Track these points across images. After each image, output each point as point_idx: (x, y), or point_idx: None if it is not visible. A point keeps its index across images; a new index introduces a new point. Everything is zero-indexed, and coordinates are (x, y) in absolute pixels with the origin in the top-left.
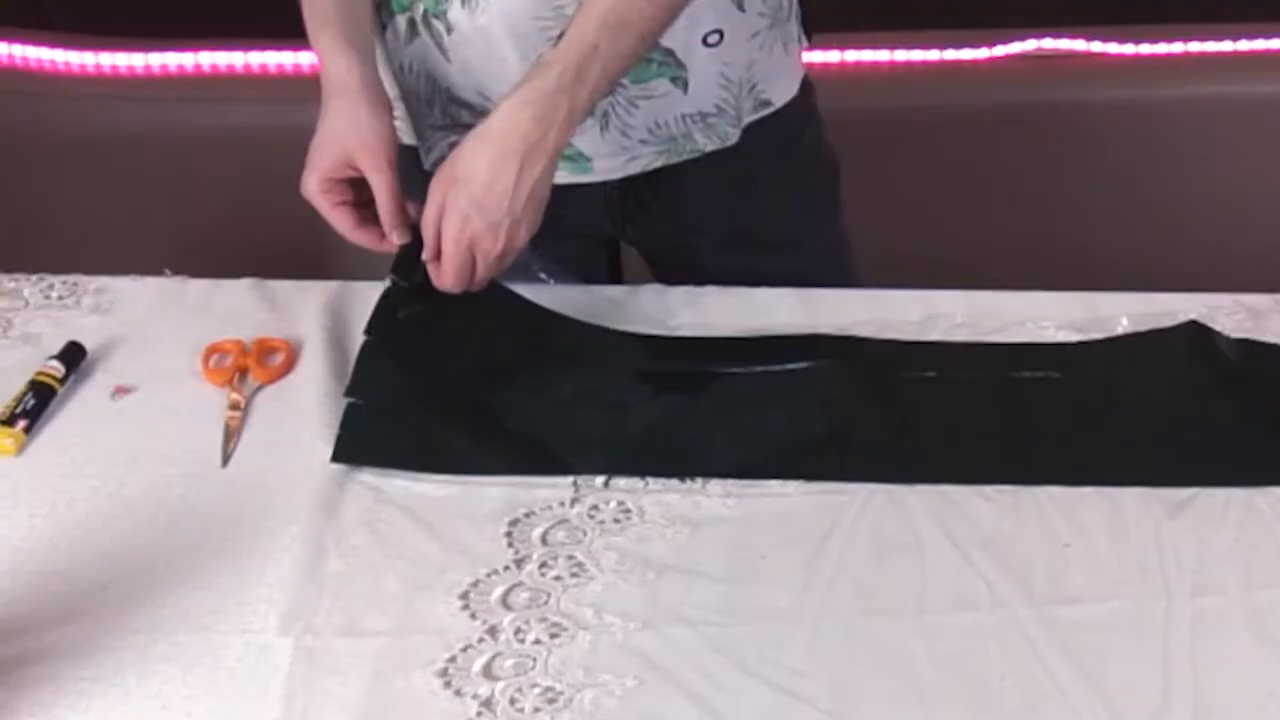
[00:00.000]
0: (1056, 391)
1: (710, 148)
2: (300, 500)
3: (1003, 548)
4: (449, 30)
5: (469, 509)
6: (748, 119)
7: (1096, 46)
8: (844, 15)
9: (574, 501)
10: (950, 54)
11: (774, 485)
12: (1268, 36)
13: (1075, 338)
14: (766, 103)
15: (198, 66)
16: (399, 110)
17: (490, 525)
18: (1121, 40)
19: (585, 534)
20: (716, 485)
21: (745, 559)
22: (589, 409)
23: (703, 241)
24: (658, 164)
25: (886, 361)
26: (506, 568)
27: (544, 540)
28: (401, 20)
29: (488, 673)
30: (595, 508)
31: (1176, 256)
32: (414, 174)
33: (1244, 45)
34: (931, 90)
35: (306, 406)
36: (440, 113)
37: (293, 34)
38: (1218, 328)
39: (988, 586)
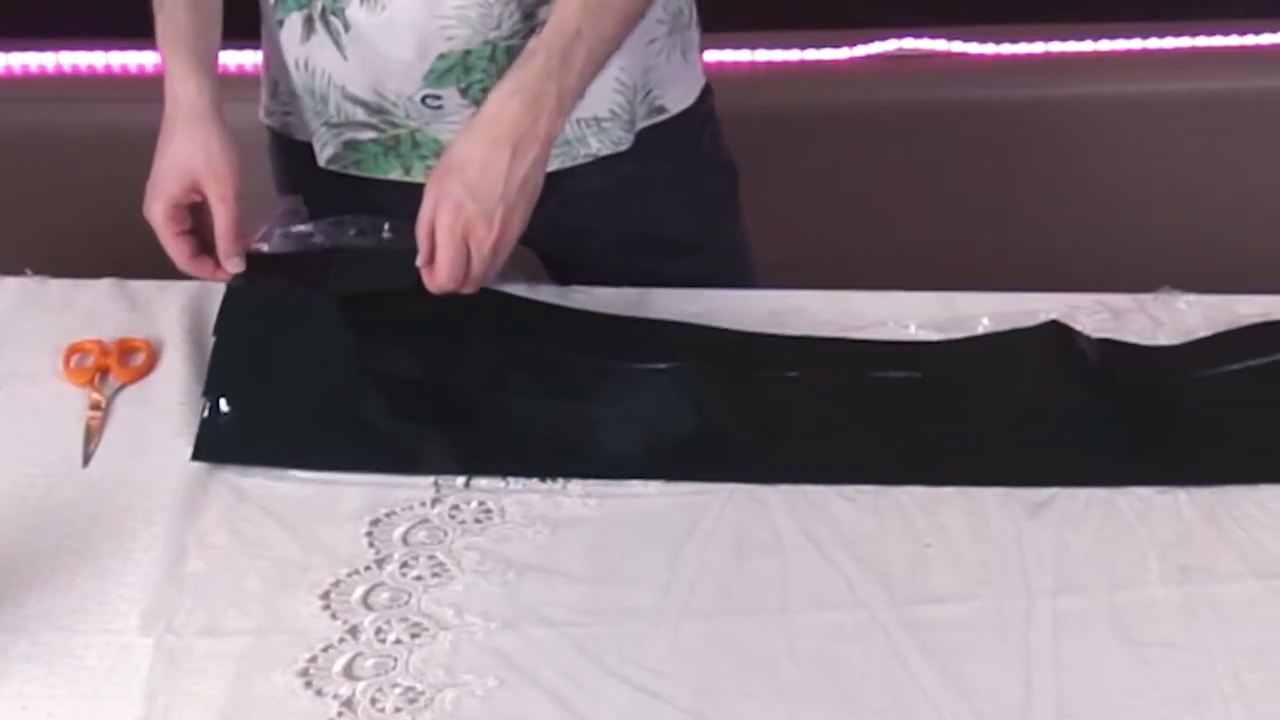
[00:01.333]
0: (917, 391)
1: (604, 152)
2: (161, 500)
3: (864, 547)
4: (346, 28)
5: (330, 509)
6: (641, 124)
7: (957, 46)
8: (707, 16)
9: (435, 501)
10: (811, 54)
11: (635, 485)
12: (1128, 36)
13: (936, 337)
14: (661, 109)
15: (59, 67)
16: (290, 106)
17: (351, 525)
18: (982, 40)
19: (446, 534)
20: (577, 485)
21: (606, 559)
22: (451, 407)
23: (593, 243)
24: (552, 167)
25: (748, 361)
26: (367, 568)
27: (405, 540)
28: (298, 17)
29: (349, 672)
30: (456, 508)
31: (1041, 255)
32: (302, 170)
33: (1104, 45)
34: (792, 91)
35: (167, 406)
36: (335, 110)
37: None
38: (1079, 327)
39: (849, 586)
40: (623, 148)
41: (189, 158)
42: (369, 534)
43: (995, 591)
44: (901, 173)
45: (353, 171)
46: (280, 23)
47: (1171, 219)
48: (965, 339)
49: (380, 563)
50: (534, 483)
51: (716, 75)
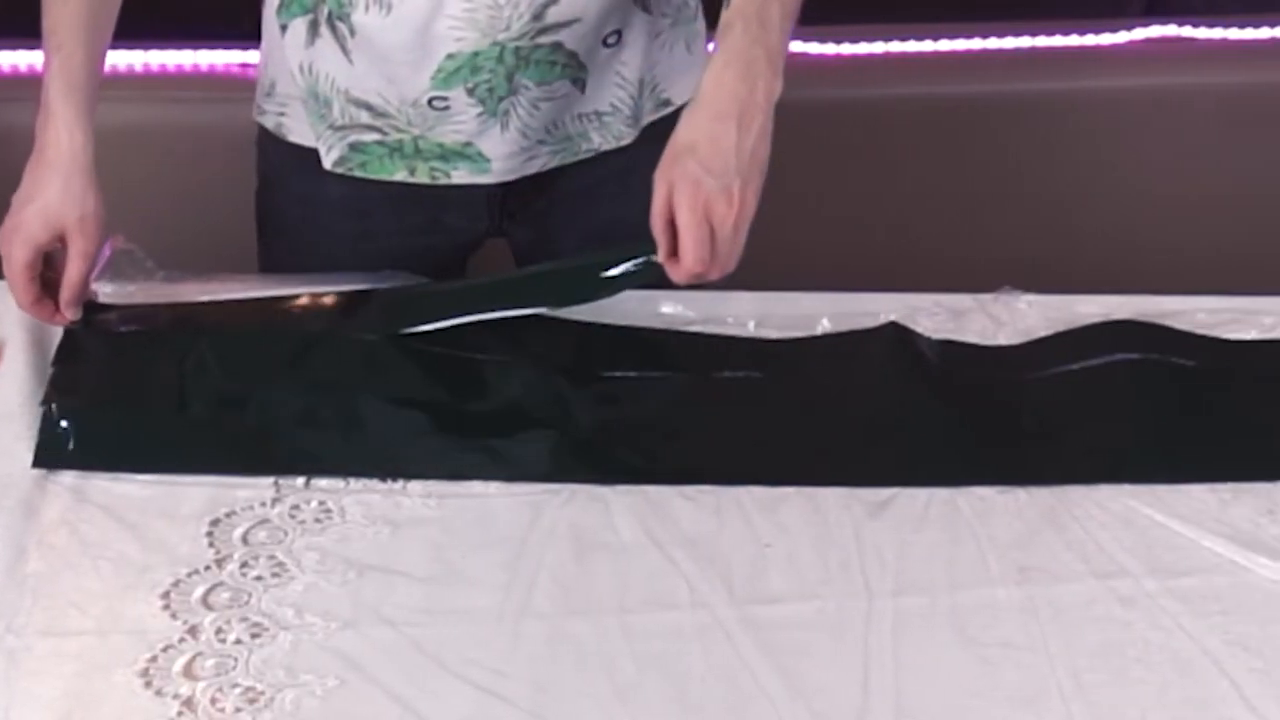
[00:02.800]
0: (757, 391)
1: (605, 147)
2: (1, 501)
3: (704, 547)
4: (352, 32)
5: (170, 509)
6: (648, 118)
7: (798, 46)
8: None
9: (275, 501)
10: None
11: (475, 485)
12: (968, 36)
13: (775, 336)
14: (667, 102)
15: None
16: (285, 108)
17: (192, 525)
18: (823, 40)
19: (286, 534)
20: (418, 485)
21: (446, 559)
22: (292, 408)
23: (568, 237)
24: (554, 164)
25: (589, 360)
26: (207, 567)
27: (245, 540)
28: (302, 22)
29: (188, 672)
30: (296, 507)
31: (886, 255)
32: (288, 169)
33: (944, 45)
34: None
35: (7, 409)
36: (339, 113)
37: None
38: (918, 328)
39: (688, 586)
40: (624, 142)
41: (64, 210)
42: (209, 534)
43: (835, 591)
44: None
45: (358, 173)
46: (284, 28)
47: (1135, 218)
48: (805, 338)
49: (220, 563)
50: (374, 483)
51: None
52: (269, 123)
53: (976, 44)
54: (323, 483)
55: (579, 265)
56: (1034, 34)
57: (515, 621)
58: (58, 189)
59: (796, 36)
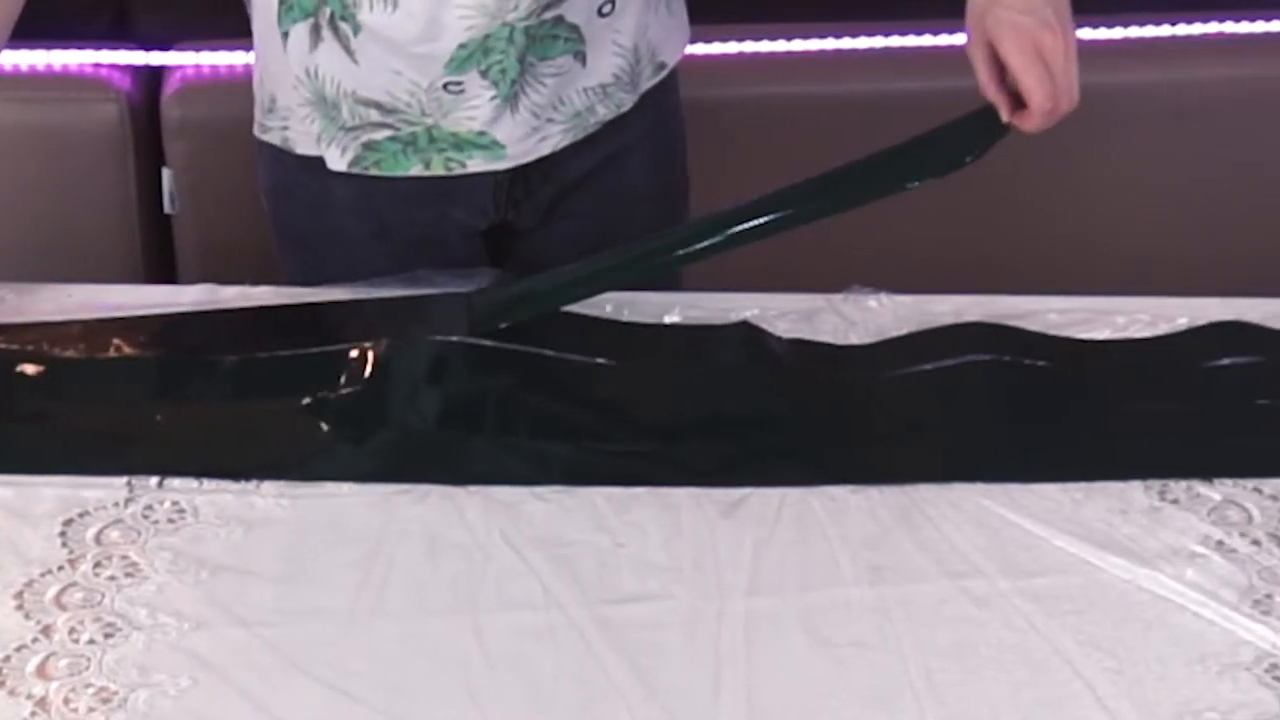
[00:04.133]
0: (607, 385)
1: (609, 117)
2: None
3: (556, 547)
4: (356, 31)
5: (22, 509)
6: (647, 84)
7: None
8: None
9: (128, 501)
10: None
11: (328, 486)
12: (837, 36)
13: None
14: (662, 65)
15: None
16: (295, 123)
17: (45, 525)
18: (708, 40)
19: (140, 534)
20: (271, 485)
21: (299, 559)
22: (146, 407)
23: (569, 225)
24: (566, 141)
25: (437, 358)
26: (60, 567)
27: (98, 540)
28: (303, 27)
29: (41, 673)
30: (150, 508)
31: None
32: (303, 182)
33: (783, 45)
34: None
35: None
36: (349, 114)
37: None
38: (769, 328)
39: (541, 586)
40: (625, 109)
41: None
42: (62, 534)
43: (687, 591)
44: None
45: (373, 172)
46: (285, 35)
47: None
48: (654, 335)
49: (73, 562)
50: (227, 483)
51: None
52: (274, 139)
53: (846, 43)
54: (176, 483)
55: (907, 148)
56: (910, 33)
57: (368, 621)
58: None
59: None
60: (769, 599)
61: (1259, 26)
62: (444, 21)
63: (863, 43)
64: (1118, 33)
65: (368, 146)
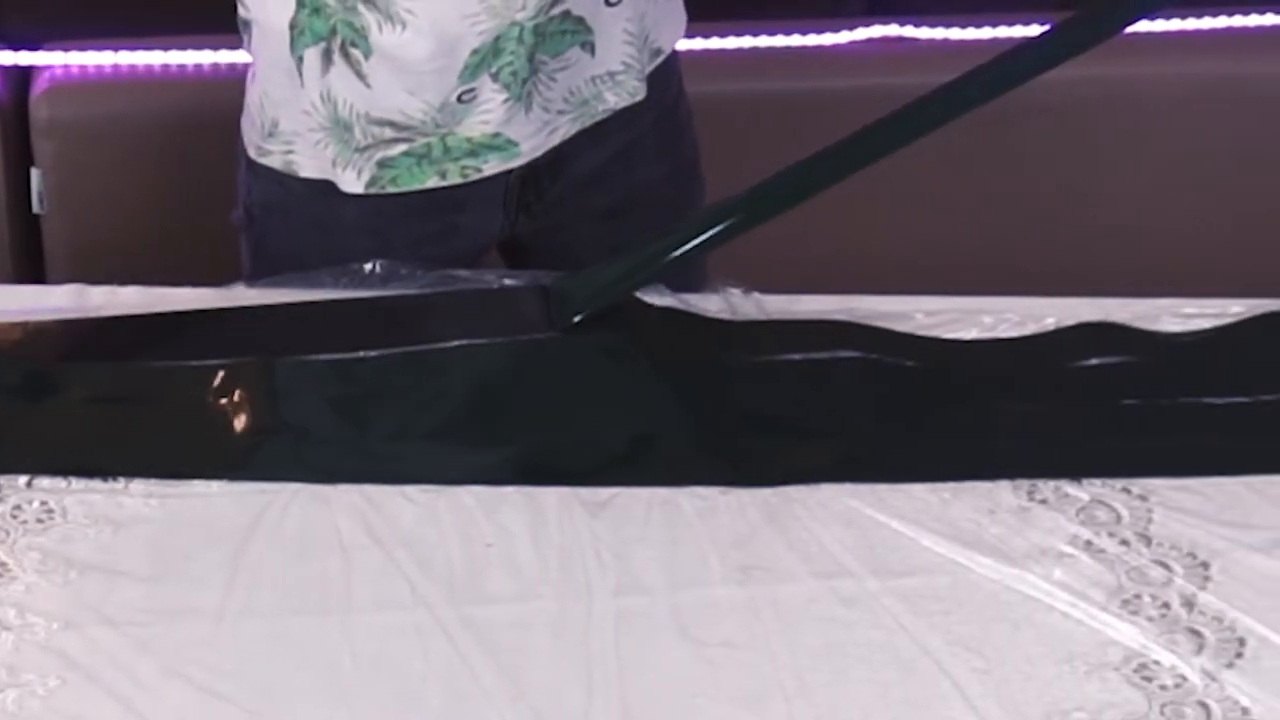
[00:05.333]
0: (472, 390)
1: (620, 105)
2: None
3: (425, 547)
4: (368, 55)
5: None
6: (649, 69)
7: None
8: None
9: None
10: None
11: (197, 485)
12: (688, 36)
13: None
14: (659, 51)
15: None
16: (300, 146)
17: None
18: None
19: (8, 534)
20: (139, 485)
21: (168, 558)
22: (14, 404)
23: (580, 226)
24: (574, 130)
25: (318, 346)
26: None
27: None
28: (315, 52)
29: None
30: (18, 508)
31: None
32: (323, 205)
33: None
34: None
35: None
36: (361, 134)
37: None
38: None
39: (410, 586)
40: (638, 98)
41: None
42: None
43: (556, 591)
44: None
45: (389, 190)
46: (300, 59)
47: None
48: (460, 328)
49: None
50: (96, 482)
51: None
52: (275, 163)
53: (698, 44)
54: (45, 482)
55: None
56: (754, 34)
57: (236, 621)
58: None
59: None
60: (638, 599)
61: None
62: (454, 31)
63: (871, 32)
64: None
65: (382, 164)
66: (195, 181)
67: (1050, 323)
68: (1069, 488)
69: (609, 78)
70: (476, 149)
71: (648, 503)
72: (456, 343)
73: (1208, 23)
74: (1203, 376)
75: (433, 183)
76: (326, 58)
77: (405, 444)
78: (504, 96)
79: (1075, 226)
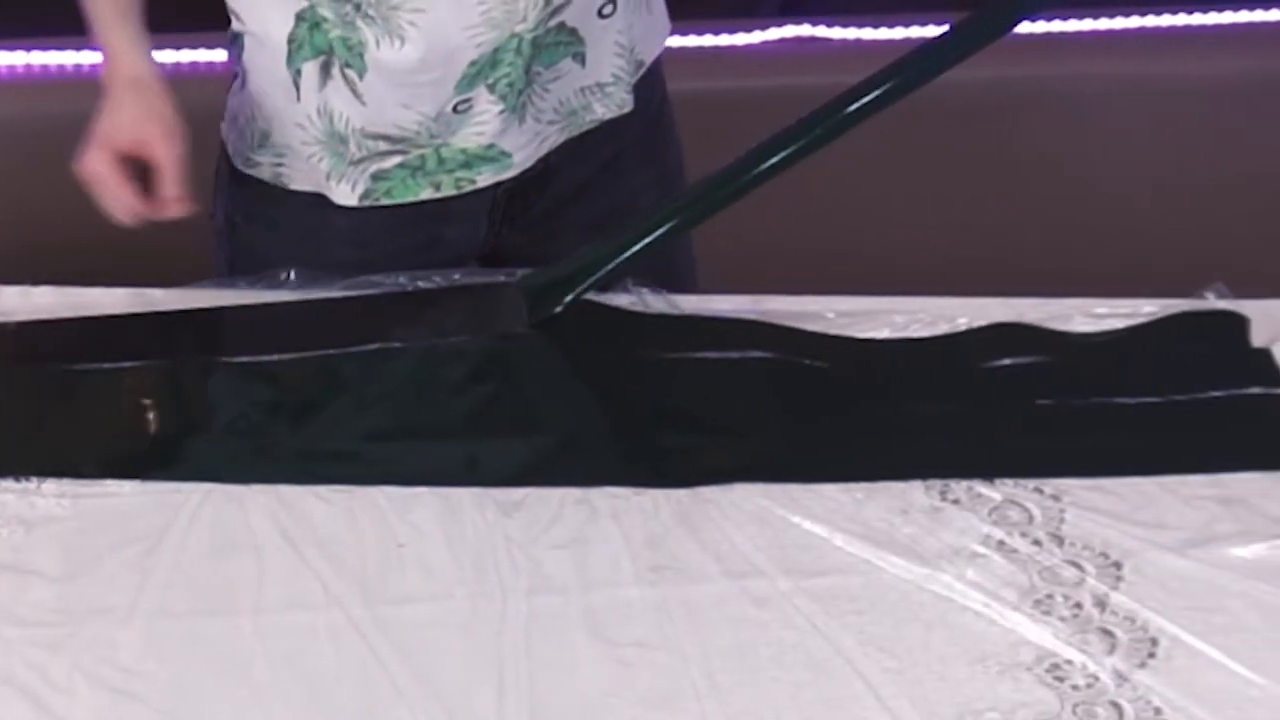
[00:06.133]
0: (386, 389)
1: (608, 116)
2: None
3: (338, 547)
4: (362, 73)
5: None
6: (633, 80)
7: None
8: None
9: None
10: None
11: (109, 485)
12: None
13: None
14: (641, 63)
15: None
16: (290, 160)
17: None
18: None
19: None
20: (52, 484)
21: (80, 558)
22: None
23: (564, 238)
24: (561, 139)
25: (222, 349)
26: None
27: None
28: (314, 65)
29: None
30: None
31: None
32: (310, 216)
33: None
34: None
35: None
36: (356, 147)
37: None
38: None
39: (323, 586)
40: (626, 110)
41: (134, 116)
42: None
43: (469, 591)
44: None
45: (384, 202)
46: (299, 72)
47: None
48: (432, 327)
49: None
50: (8, 482)
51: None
52: (264, 174)
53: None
54: None
55: None
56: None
57: (149, 621)
58: (126, 102)
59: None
60: (550, 598)
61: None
62: (453, 43)
63: (784, 32)
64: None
65: (376, 177)
66: None
67: (962, 323)
68: (981, 488)
69: (598, 89)
70: (470, 160)
71: (560, 503)
72: (374, 346)
73: (1120, 23)
74: (1115, 377)
75: (426, 194)
76: (325, 71)
77: (323, 445)
78: (500, 108)
79: (993, 227)
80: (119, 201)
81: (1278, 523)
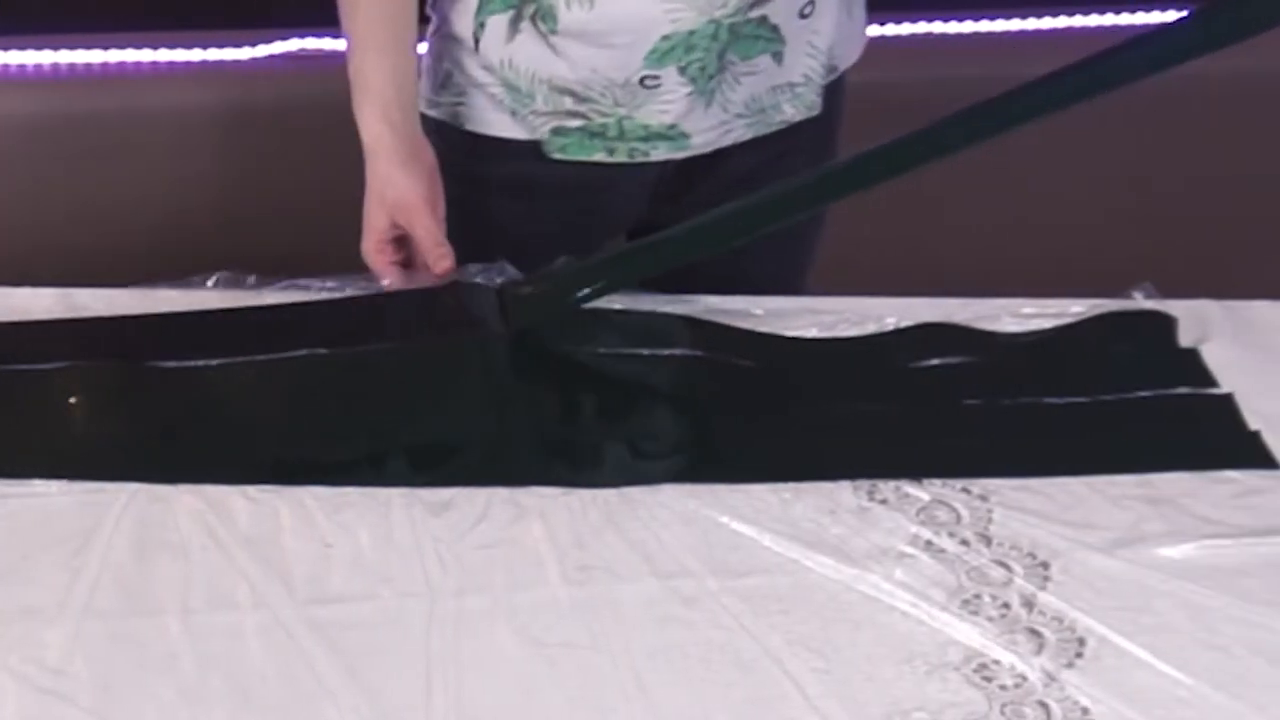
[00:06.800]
0: (320, 385)
1: (797, 118)
2: None
3: (266, 547)
4: (556, 26)
5: None
6: (827, 81)
7: None
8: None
9: None
10: (214, 53)
11: (36, 484)
12: None
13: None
14: (834, 68)
15: None
16: (463, 98)
17: None
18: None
19: None
20: None
21: (6, 558)
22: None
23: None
24: (748, 135)
25: (147, 351)
26: None
27: None
28: (502, 19)
29: None
30: None
31: None
32: (476, 160)
33: None
34: (194, 90)
35: None
36: (543, 102)
37: None
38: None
39: (250, 586)
40: (814, 112)
41: (375, 194)
42: None
43: (397, 591)
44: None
45: (557, 156)
46: (482, 25)
47: None
48: (365, 325)
49: None
50: None
51: (115, 76)
52: (443, 114)
53: None
54: None
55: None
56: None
57: (76, 621)
58: (369, 178)
59: None
60: (478, 598)
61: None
62: (648, 15)
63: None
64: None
65: (556, 132)
66: (33, 180)
67: (890, 323)
68: (909, 488)
69: (789, 89)
70: (650, 136)
71: (488, 503)
72: (303, 351)
73: (1047, 23)
74: (1043, 377)
75: (599, 157)
76: (514, 24)
77: (250, 446)
78: (688, 90)
79: (923, 227)
80: (391, 282)
81: (1206, 523)
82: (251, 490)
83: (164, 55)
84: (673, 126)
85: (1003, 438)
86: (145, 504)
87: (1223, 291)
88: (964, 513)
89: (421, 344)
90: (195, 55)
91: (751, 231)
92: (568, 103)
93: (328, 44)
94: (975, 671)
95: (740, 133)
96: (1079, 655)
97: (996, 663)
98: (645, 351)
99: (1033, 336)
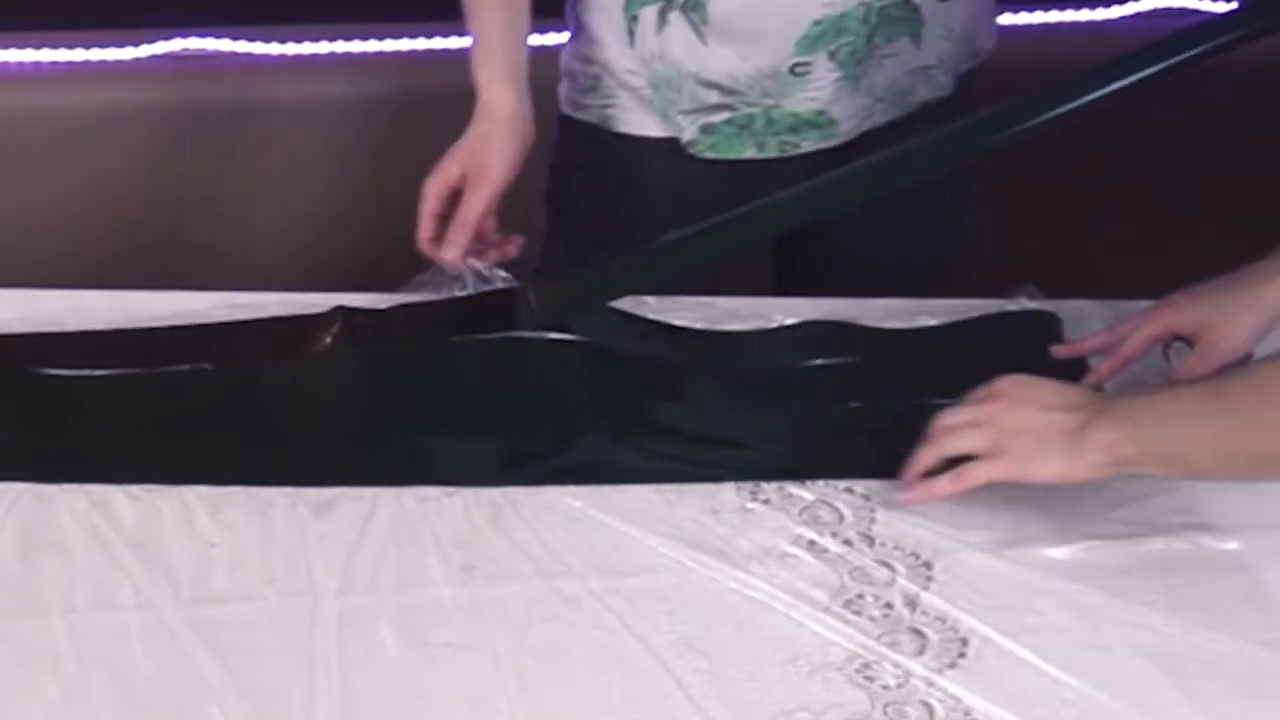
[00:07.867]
0: (205, 384)
1: (930, 98)
2: None
3: (149, 547)
4: (706, 19)
5: None
6: (964, 67)
7: (243, 46)
8: None
9: None
10: (96, 54)
11: None
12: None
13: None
14: (978, 51)
15: None
16: (613, 100)
17: None
18: (268, 40)
19: None
20: None
21: None
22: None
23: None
24: (886, 119)
25: (37, 359)
26: None
27: None
28: (652, 10)
29: None
30: None
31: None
32: (629, 162)
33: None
34: (78, 91)
35: None
36: (689, 97)
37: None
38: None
39: (134, 586)
40: (943, 93)
41: (469, 146)
42: None
43: (280, 591)
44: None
45: (707, 155)
46: (635, 18)
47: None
48: (252, 325)
49: None
50: None
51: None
52: (592, 117)
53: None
54: None
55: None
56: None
57: None
58: (472, 132)
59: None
60: (362, 599)
61: None
62: (798, 5)
63: None
64: None
65: (705, 130)
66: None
67: (775, 321)
68: (792, 488)
69: (924, 71)
70: (799, 124)
71: (372, 503)
72: (187, 366)
73: None
74: (927, 376)
75: (749, 154)
76: (662, 17)
77: (132, 446)
78: (837, 75)
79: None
80: (419, 230)
81: (1088, 523)
82: (135, 490)
83: (46, 55)
84: (820, 113)
85: (886, 438)
86: (29, 504)
87: (1101, 291)
88: (847, 513)
89: (303, 357)
90: (78, 55)
91: (767, 232)
92: (714, 96)
93: (211, 44)
94: (858, 671)
95: (879, 117)
96: (962, 655)
97: (879, 663)
98: (530, 336)
99: (918, 335)
